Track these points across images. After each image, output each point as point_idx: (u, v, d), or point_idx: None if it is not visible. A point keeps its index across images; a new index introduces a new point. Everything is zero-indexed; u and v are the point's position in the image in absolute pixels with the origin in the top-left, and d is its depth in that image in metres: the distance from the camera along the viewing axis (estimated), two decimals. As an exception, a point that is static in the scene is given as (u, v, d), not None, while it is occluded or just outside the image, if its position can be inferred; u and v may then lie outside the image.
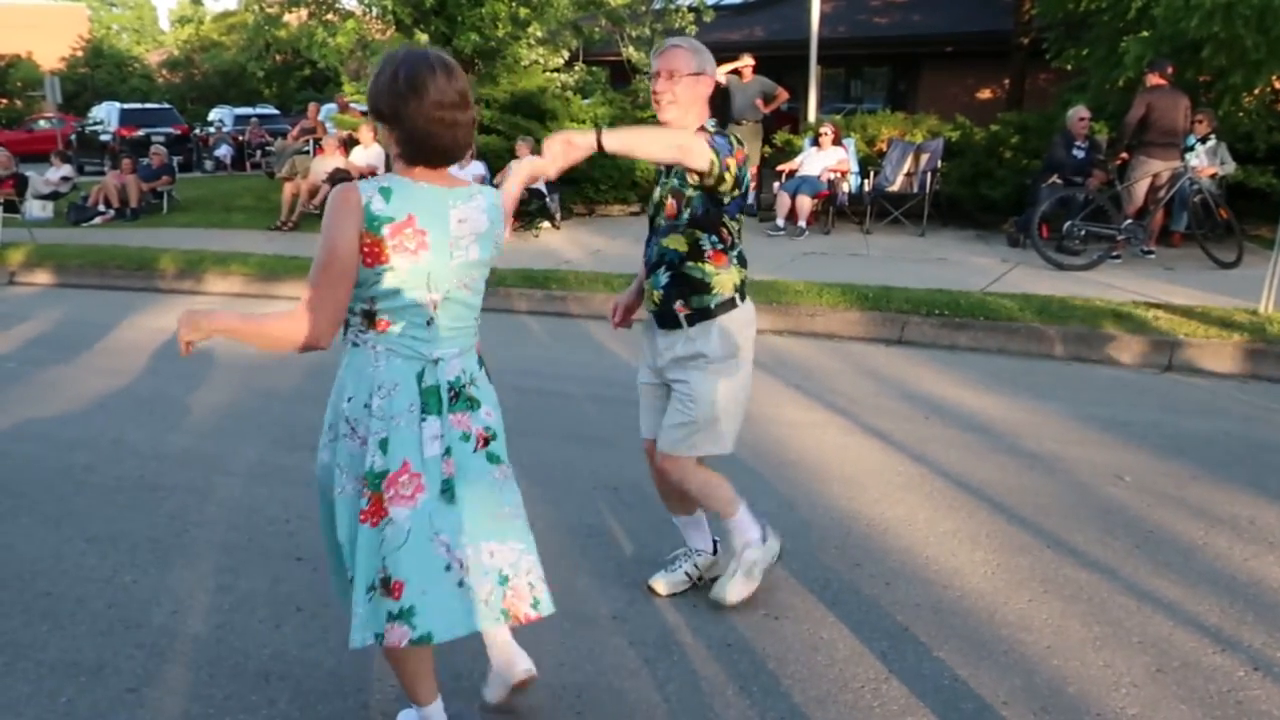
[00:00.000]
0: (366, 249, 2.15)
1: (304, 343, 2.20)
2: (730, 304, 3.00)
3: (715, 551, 3.41)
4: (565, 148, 2.59)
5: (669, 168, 3.03)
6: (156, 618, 3.24)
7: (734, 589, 3.22)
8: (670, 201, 2.99)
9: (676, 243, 2.98)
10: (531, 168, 2.60)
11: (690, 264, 2.98)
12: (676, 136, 2.83)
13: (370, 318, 2.24)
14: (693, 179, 2.87)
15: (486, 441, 2.42)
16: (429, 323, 2.26)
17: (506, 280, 8.37)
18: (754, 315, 3.12)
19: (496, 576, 2.43)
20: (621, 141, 2.77)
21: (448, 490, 2.29)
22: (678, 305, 3.00)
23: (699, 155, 2.78)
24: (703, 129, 2.90)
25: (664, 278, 3.02)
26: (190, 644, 3.08)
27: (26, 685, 2.87)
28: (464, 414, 2.34)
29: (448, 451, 2.29)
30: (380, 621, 2.25)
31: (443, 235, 2.21)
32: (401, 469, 2.23)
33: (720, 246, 2.98)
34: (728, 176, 2.85)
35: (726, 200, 2.93)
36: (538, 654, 2.97)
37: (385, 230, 2.14)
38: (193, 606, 3.31)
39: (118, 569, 3.59)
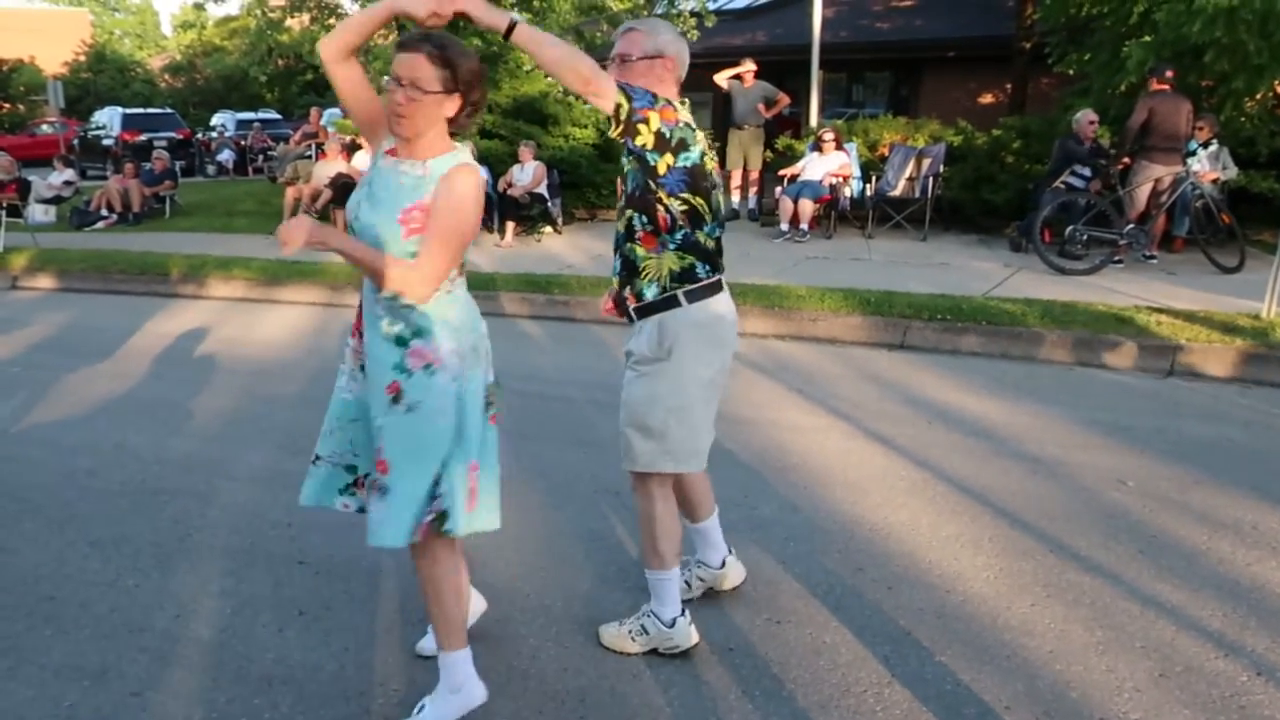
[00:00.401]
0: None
1: (410, 297, 2.47)
2: (671, 301, 2.79)
3: (722, 565, 3.29)
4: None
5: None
6: (160, 622, 3.24)
7: (609, 634, 3.07)
8: (619, 181, 2.87)
9: (620, 223, 2.86)
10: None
11: (626, 245, 2.85)
12: (588, 64, 2.53)
13: (461, 269, 2.59)
14: (613, 133, 2.67)
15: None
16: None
17: (509, 285, 8.38)
18: (709, 318, 2.84)
19: None
20: (531, 37, 2.53)
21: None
22: (627, 293, 2.88)
23: (605, 93, 2.56)
24: (664, 101, 2.71)
25: (616, 263, 2.93)
26: (193, 648, 3.08)
27: (30, 689, 2.87)
28: None
29: None
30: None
31: None
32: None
33: (650, 228, 2.77)
34: (643, 130, 2.63)
35: (663, 172, 2.70)
36: (540, 659, 2.98)
37: None
38: (196, 611, 3.31)
39: (121, 573, 3.60)
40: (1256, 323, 6.44)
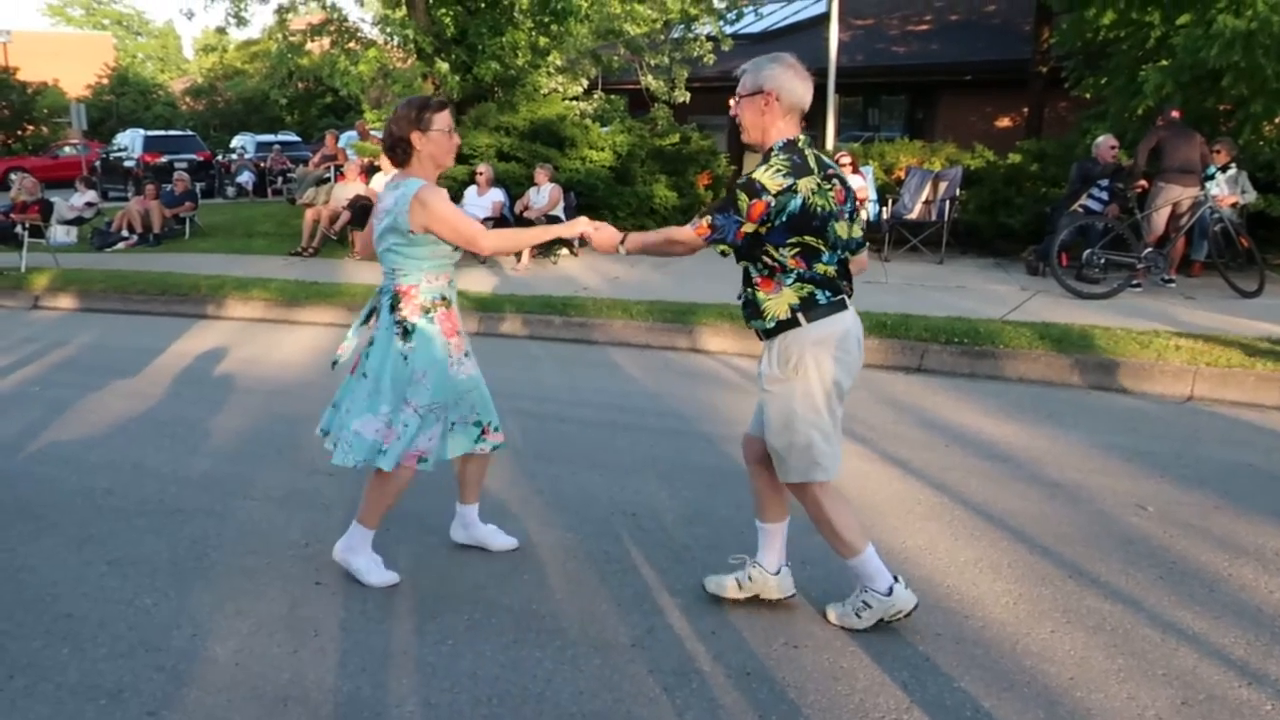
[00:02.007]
0: None
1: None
2: (790, 323, 3.03)
3: (777, 572, 3.38)
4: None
5: None
6: (176, 641, 3.25)
7: (835, 614, 3.30)
8: None
9: (742, 269, 3.19)
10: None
11: (747, 290, 3.15)
12: (683, 236, 3.12)
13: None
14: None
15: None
16: None
17: (526, 306, 8.41)
18: (829, 335, 3.05)
19: None
20: (642, 243, 3.34)
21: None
22: (752, 325, 3.19)
23: (708, 244, 3.09)
24: (770, 152, 3.06)
25: (740, 298, 3.21)
26: (209, 667, 3.08)
27: (47, 708, 2.88)
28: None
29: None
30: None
31: None
32: None
33: (765, 273, 3.05)
34: (747, 227, 3.00)
35: (764, 232, 3.00)
36: (554, 682, 2.97)
37: None
38: (212, 630, 3.32)
39: (138, 592, 3.61)
40: (1276, 347, 6.40)
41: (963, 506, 4.30)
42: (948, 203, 10.88)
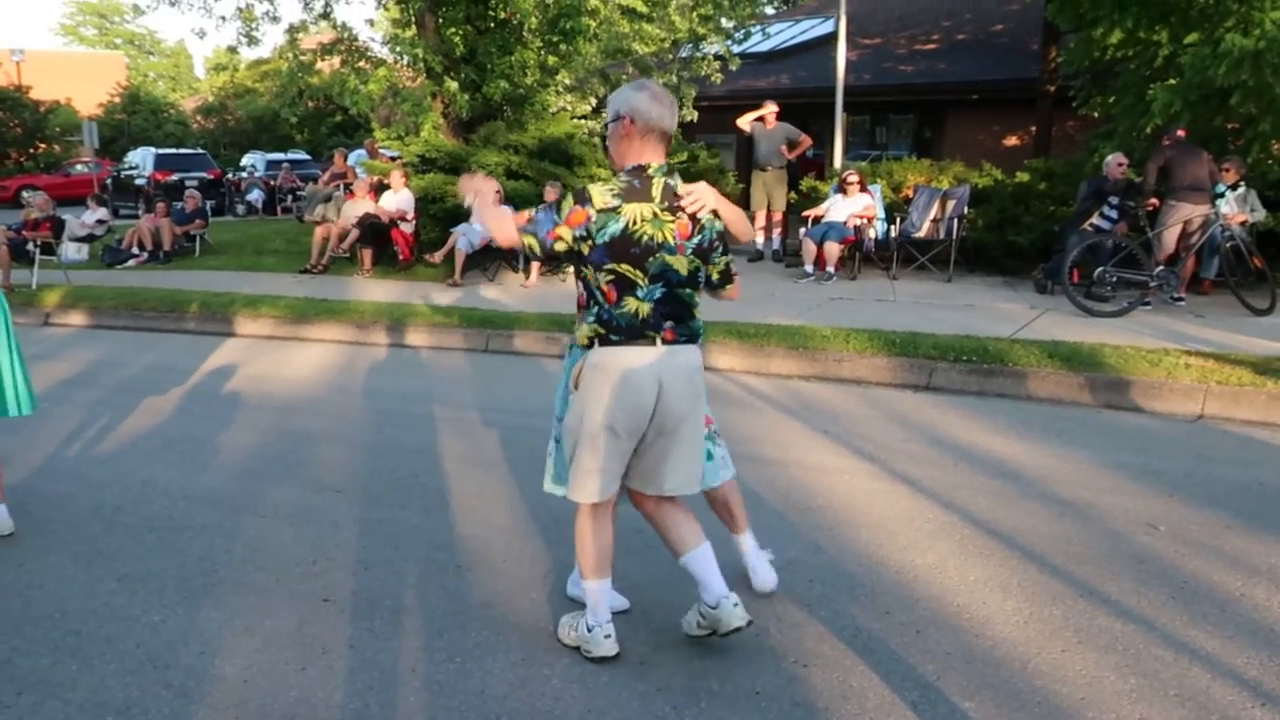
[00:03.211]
0: None
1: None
2: (589, 345, 3.08)
3: (715, 606, 3.15)
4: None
5: None
6: (184, 658, 3.24)
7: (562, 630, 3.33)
8: None
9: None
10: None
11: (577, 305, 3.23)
12: (503, 235, 3.11)
13: None
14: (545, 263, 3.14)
15: None
16: None
17: (534, 324, 8.42)
18: (619, 364, 3.01)
19: None
20: (482, 219, 3.29)
21: None
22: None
23: (518, 243, 3.08)
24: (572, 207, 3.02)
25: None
26: (217, 685, 3.08)
27: (54, 724, 2.87)
28: None
29: None
30: None
31: None
32: None
33: (583, 295, 3.13)
34: (561, 245, 3.00)
35: (586, 250, 3.00)
36: (564, 699, 2.96)
37: None
38: (220, 647, 3.31)
39: (146, 609, 3.61)
40: (1288, 366, 6.37)
41: (972, 525, 4.28)
42: (956, 221, 10.88)
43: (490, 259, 11.62)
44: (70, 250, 14.03)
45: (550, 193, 11.35)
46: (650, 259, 2.97)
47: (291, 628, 3.44)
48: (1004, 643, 3.27)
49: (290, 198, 22.12)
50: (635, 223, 2.95)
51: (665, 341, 3.04)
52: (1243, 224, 9.21)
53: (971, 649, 3.23)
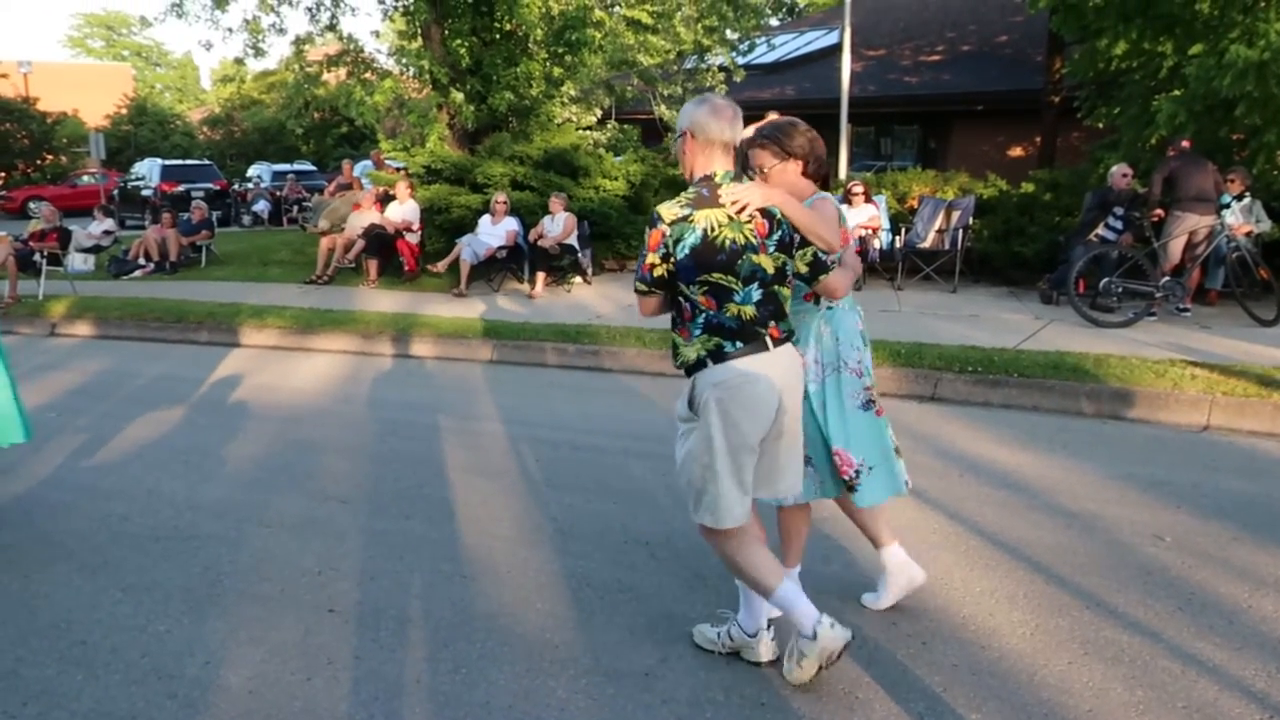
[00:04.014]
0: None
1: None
2: (699, 365, 2.97)
3: (754, 635, 3.20)
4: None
5: None
6: (189, 668, 3.24)
7: (787, 669, 3.12)
8: None
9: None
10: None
11: (671, 333, 3.13)
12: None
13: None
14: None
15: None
16: None
17: (539, 334, 8.42)
18: (741, 375, 2.93)
19: None
20: None
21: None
22: (676, 364, 3.13)
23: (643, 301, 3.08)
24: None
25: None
26: (221, 695, 3.08)
27: (59, 735, 2.87)
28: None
29: None
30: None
31: None
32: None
33: (679, 318, 3.05)
34: (655, 274, 2.98)
35: (671, 268, 2.96)
36: (569, 711, 2.95)
37: None
38: (225, 657, 3.31)
39: (151, 619, 3.61)
40: (1294, 377, 6.36)
41: (978, 536, 4.27)
42: (961, 232, 10.88)
43: (495, 269, 11.64)
44: (77, 261, 14.07)
45: (556, 204, 11.38)
46: (739, 262, 2.92)
47: (296, 638, 3.44)
48: (1011, 654, 3.26)
49: (296, 208, 22.19)
50: (713, 229, 2.90)
51: (774, 339, 2.99)
52: (1248, 235, 9.21)
53: (978, 660, 3.22)
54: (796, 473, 3.15)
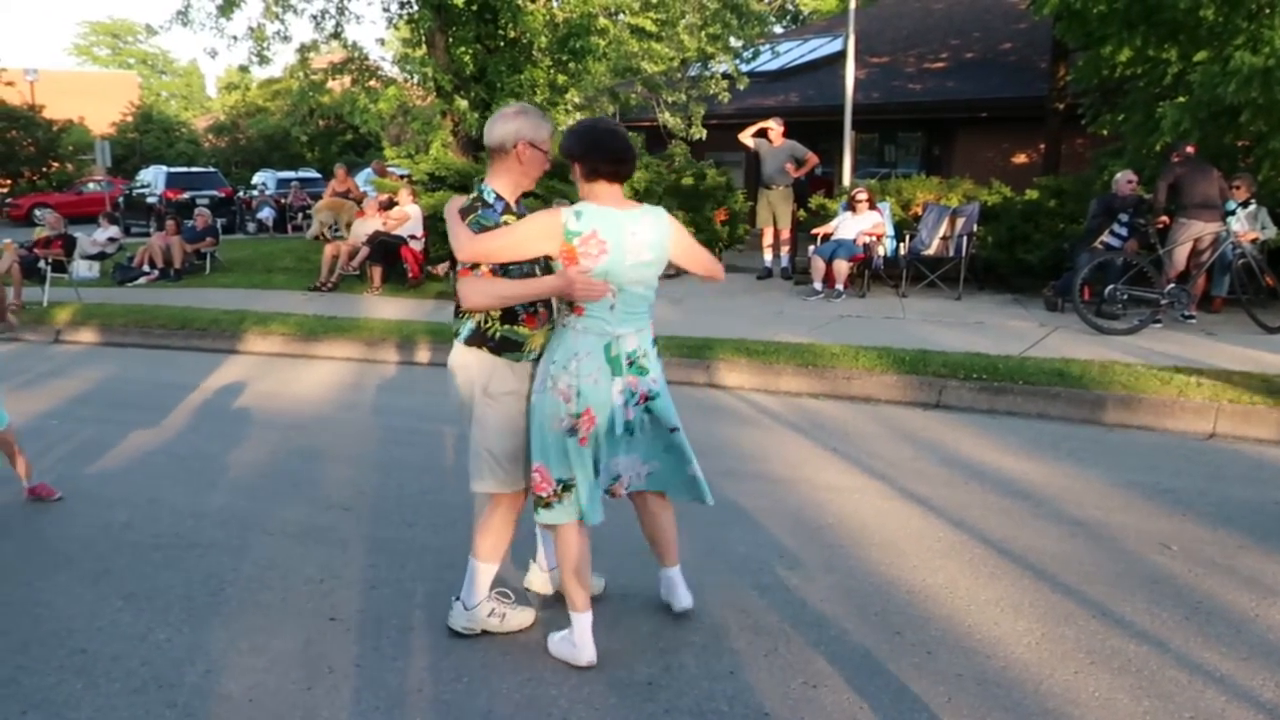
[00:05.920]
0: (564, 255, 3.06)
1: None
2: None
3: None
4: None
5: None
6: (189, 677, 3.23)
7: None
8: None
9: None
10: None
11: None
12: (456, 238, 3.15)
13: (570, 305, 3.13)
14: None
15: (646, 399, 3.29)
16: (611, 308, 3.12)
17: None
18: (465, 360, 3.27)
19: (646, 479, 3.47)
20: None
21: (628, 429, 3.25)
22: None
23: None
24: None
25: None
26: (223, 704, 3.06)
27: (59, 744, 2.86)
28: (635, 377, 3.22)
29: (626, 402, 3.20)
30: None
31: (619, 244, 3.07)
32: (585, 412, 3.12)
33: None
34: None
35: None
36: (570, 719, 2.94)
37: (575, 241, 3.05)
38: (225, 666, 3.30)
39: (152, 627, 3.60)
40: (1300, 384, 6.33)
41: (983, 544, 4.25)
42: (965, 238, 10.85)
43: (499, 277, 11.62)
44: (82, 268, 14.09)
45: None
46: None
47: (298, 647, 3.43)
48: (1016, 664, 3.24)
49: (301, 215, 22.20)
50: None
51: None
52: (1254, 241, 9.18)
53: (983, 670, 3.20)
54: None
